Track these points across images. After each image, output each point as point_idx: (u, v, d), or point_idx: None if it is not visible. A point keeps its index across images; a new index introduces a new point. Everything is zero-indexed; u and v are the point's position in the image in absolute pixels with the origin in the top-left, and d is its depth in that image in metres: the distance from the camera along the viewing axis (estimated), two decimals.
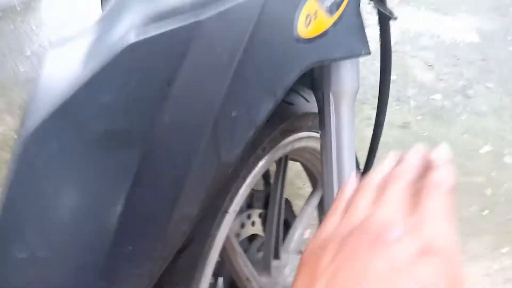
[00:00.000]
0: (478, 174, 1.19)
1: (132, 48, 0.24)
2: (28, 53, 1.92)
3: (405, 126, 1.38)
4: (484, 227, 1.04)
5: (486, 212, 1.07)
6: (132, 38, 0.24)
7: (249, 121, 0.27)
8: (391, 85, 1.59)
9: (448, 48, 1.86)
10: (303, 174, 1.20)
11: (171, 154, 0.25)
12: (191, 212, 0.27)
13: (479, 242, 1.00)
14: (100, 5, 0.61)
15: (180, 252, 0.33)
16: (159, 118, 0.24)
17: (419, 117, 1.41)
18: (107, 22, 0.30)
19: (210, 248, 0.37)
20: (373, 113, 1.41)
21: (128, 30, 0.25)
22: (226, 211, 0.38)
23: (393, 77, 1.62)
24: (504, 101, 1.49)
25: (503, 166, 1.22)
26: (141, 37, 0.24)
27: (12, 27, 2.18)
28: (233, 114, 0.26)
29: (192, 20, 0.24)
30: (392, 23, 0.60)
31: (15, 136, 1.36)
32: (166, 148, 0.25)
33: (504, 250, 0.98)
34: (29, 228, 0.25)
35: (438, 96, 1.52)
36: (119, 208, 0.24)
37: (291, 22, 0.28)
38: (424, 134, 1.33)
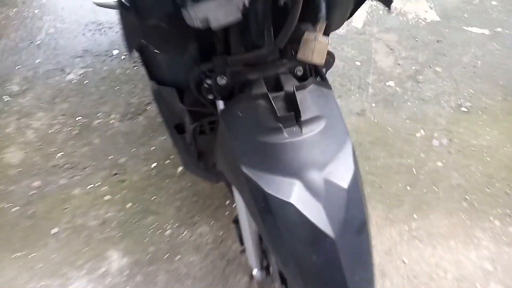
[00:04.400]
0: (410, 156, 1.57)
1: None
2: (39, 41, 2.14)
3: (361, 113, 1.72)
4: (405, 199, 1.45)
5: (409, 188, 1.48)
6: None
7: None
8: (355, 72, 1.91)
9: (410, 28, 2.11)
10: None
11: None
12: None
13: (399, 210, 1.43)
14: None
15: None
16: None
17: (374, 104, 1.75)
18: None
19: None
20: (339, 101, 1.75)
21: None
22: None
23: (357, 63, 1.94)
24: (446, 87, 1.82)
25: (430, 148, 1.60)
26: None
27: (15, 10, 2.35)
28: None
29: None
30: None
31: (51, 130, 1.69)
32: None
33: (415, 216, 1.41)
34: None
35: (392, 83, 1.84)
36: None
37: None
38: (375, 121, 1.69)
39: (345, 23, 2.13)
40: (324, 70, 0.81)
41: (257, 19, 0.64)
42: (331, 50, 2.01)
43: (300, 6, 0.61)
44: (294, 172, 0.60)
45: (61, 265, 1.34)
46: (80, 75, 1.94)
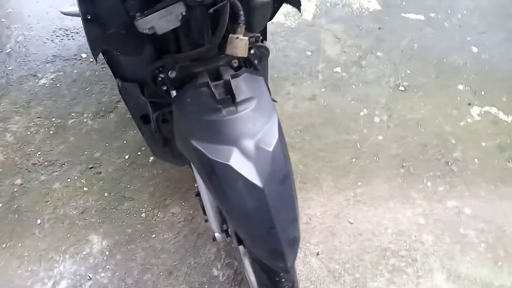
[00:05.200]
0: (355, 133, 1.78)
1: None
2: (9, 49, 2.24)
3: (312, 98, 1.92)
4: (351, 170, 1.66)
5: (354, 160, 1.69)
6: None
7: None
8: (307, 62, 2.11)
9: (355, 18, 2.32)
10: None
11: None
12: None
13: (346, 179, 1.63)
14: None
15: None
16: None
17: (323, 89, 1.95)
18: None
19: None
20: (293, 89, 1.94)
21: None
22: None
23: (308, 53, 2.14)
24: (386, 69, 2.03)
25: (372, 124, 1.81)
26: None
27: None
28: None
29: None
30: None
31: (29, 132, 1.81)
32: None
33: (360, 183, 1.62)
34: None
35: (339, 69, 2.05)
36: None
37: None
38: (325, 104, 1.89)
39: (297, 17, 2.32)
40: (256, 62, 0.98)
41: (197, 24, 0.81)
42: (286, 42, 2.18)
43: (227, 14, 0.79)
44: (232, 141, 0.78)
45: (47, 251, 1.48)
46: (52, 79, 2.06)
